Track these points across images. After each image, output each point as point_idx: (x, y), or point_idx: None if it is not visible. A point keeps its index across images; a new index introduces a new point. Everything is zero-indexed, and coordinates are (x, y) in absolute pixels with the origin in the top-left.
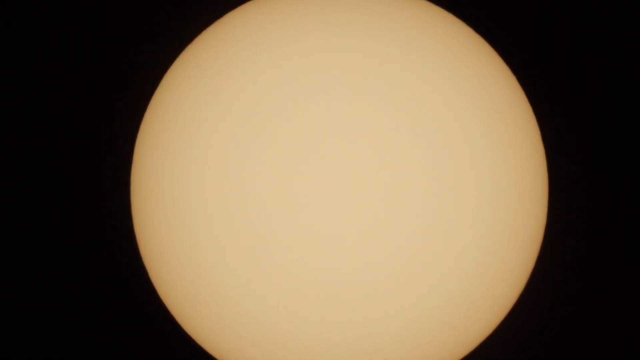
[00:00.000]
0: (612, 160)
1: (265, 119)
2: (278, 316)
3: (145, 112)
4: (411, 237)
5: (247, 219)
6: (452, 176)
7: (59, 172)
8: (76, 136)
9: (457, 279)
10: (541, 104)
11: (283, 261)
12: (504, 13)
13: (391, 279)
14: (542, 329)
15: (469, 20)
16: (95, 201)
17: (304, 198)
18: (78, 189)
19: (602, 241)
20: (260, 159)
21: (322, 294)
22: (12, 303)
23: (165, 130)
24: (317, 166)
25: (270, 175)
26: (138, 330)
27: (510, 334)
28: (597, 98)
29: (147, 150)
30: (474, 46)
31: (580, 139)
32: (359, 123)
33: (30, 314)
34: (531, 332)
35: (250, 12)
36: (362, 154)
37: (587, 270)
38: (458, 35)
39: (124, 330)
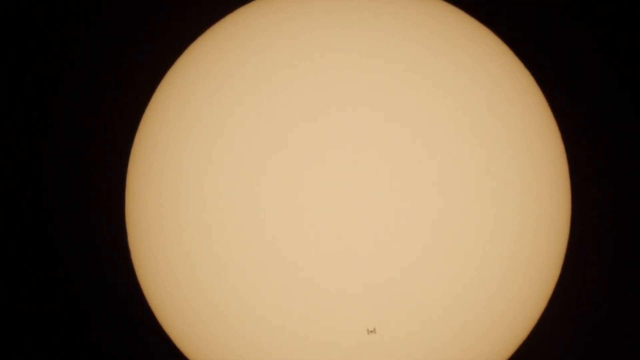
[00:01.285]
0: (637, 168)
1: (270, 128)
2: (282, 338)
3: (141, 120)
4: (425, 255)
5: (248, 235)
6: (470, 188)
7: (51, 176)
8: (70, 142)
9: (474, 299)
10: (563, 110)
11: (287, 280)
12: (525, 13)
13: (402, 301)
14: (565, 349)
15: (487, 22)
16: (89, 212)
17: (311, 212)
18: (70, 205)
19: (627, 255)
20: (264, 170)
21: (329, 316)
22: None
23: (161, 140)
24: (325, 178)
25: (275, 188)
26: (133, 350)
27: (530, 354)
28: (621, 101)
29: (142, 165)
30: (492, 49)
31: (604, 145)
32: (369, 132)
33: (24, 333)
34: (553, 353)
35: (254, 12)
36: (373, 167)
37: (612, 286)
38: (475, 36)
39: (118, 349)
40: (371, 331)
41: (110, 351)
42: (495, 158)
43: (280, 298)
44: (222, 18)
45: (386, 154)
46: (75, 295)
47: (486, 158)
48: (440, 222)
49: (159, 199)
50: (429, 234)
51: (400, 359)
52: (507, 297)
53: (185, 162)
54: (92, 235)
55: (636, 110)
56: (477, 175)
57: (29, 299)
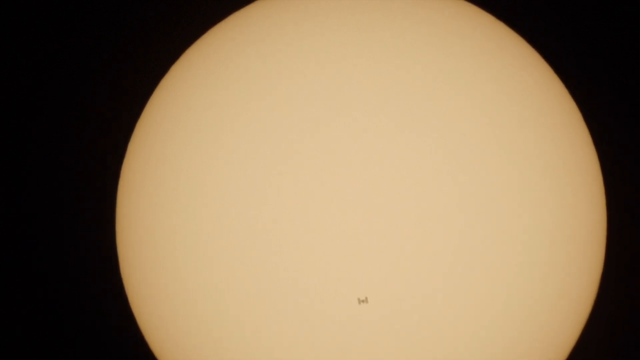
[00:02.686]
0: None
1: (273, 145)
2: None
3: (133, 134)
4: (448, 284)
5: (250, 262)
6: (497, 210)
7: (36, 193)
8: (59, 155)
9: (504, 329)
10: (598, 127)
11: (291, 311)
12: (557, 22)
13: (424, 336)
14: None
15: (511, 22)
16: (77, 238)
17: (321, 242)
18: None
19: None
20: (269, 190)
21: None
22: None
23: (153, 160)
24: (334, 200)
25: (280, 210)
26: None
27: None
28: None
29: (133, 186)
30: (520, 54)
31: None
32: (386, 147)
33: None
34: None
35: (256, 13)
36: (391, 187)
37: None
38: (500, 38)
39: None
40: (362, 300)
41: None
42: (528, 180)
43: (282, 331)
44: (221, 20)
45: (405, 170)
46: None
47: (517, 180)
48: (467, 245)
49: (150, 226)
50: (451, 261)
51: None
52: (538, 325)
53: (180, 184)
54: (83, 279)
55: None
56: (506, 199)
57: (16, 320)
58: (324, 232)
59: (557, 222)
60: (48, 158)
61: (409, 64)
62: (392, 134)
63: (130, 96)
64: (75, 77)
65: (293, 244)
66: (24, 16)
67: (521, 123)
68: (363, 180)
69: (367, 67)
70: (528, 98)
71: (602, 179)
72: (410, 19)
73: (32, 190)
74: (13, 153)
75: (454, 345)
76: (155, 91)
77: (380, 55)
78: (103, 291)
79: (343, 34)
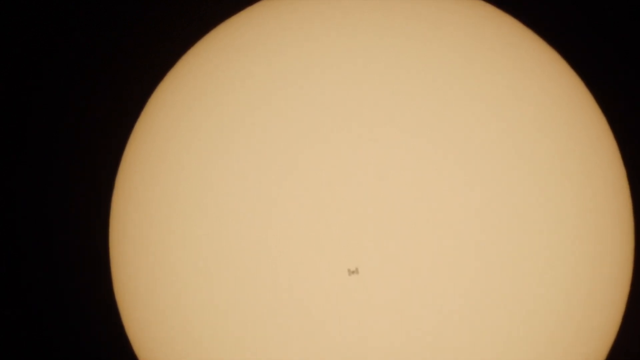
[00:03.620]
0: None
1: (276, 159)
2: None
3: (128, 143)
4: (471, 306)
5: (249, 285)
6: (521, 223)
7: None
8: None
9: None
10: (623, 132)
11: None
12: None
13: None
14: None
15: (533, 25)
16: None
17: (332, 267)
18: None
19: None
20: (272, 211)
21: None
22: None
23: (145, 182)
24: (343, 219)
25: (283, 233)
26: None
27: None
28: None
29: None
30: (545, 59)
31: None
32: (400, 160)
33: None
34: None
35: (259, 15)
36: (408, 205)
37: None
38: (523, 42)
39: None
40: (353, 271)
41: None
42: (558, 211)
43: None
44: (220, 23)
45: (421, 182)
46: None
47: (547, 208)
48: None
49: (145, 245)
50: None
51: None
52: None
53: (176, 201)
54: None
55: None
56: (534, 228)
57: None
58: (334, 257)
59: (582, 232)
60: (40, 163)
61: (424, 69)
62: (405, 144)
63: (125, 103)
64: (72, 79)
65: (302, 273)
66: (16, 20)
67: (543, 130)
68: (373, 199)
69: (377, 72)
70: (550, 103)
71: (629, 187)
72: (425, 21)
73: (20, 199)
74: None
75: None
76: (150, 99)
77: (393, 60)
78: (94, 304)
79: (351, 38)
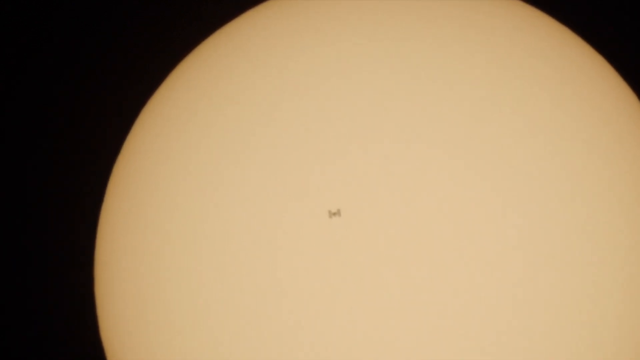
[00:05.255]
0: None
1: (280, 176)
2: None
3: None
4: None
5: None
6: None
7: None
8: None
9: None
10: None
11: None
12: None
13: None
14: None
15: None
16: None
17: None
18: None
19: None
20: (273, 241)
21: None
22: None
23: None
24: (354, 247)
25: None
26: None
27: None
28: None
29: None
30: (592, 67)
31: None
32: (423, 185)
33: None
34: None
35: (260, 17)
36: (430, 239)
37: None
38: (567, 47)
39: None
40: (334, 213)
41: None
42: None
43: None
44: (226, 22)
45: (450, 210)
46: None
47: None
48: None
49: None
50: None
51: None
52: None
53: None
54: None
55: None
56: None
57: None
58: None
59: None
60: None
61: (451, 78)
62: (447, 169)
63: (121, 106)
64: (66, 85)
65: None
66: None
67: (594, 150)
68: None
69: (397, 81)
70: (598, 116)
71: None
72: (454, 24)
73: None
74: None
75: None
76: (141, 113)
77: (417, 69)
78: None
79: (371, 43)
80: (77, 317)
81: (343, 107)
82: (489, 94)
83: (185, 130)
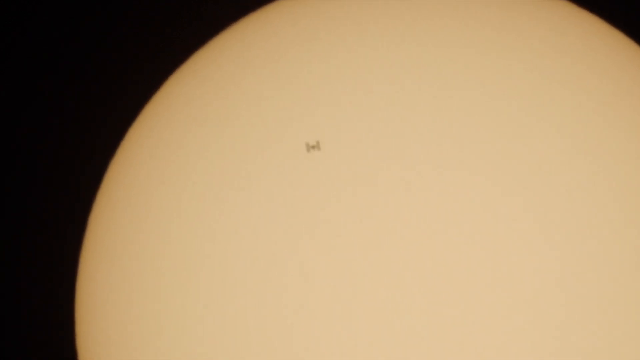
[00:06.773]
0: None
1: (283, 222)
2: None
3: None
4: None
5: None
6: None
7: None
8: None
9: None
10: None
11: None
12: None
13: None
14: None
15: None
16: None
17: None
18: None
19: None
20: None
21: None
22: None
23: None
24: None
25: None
26: None
27: None
28: None
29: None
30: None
31: None
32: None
33: None
34: None
35: (261, 20)
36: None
37: None
38: (620, 52)
39: None
40: (313, 146)
41: None
42: None
43: None
44: (226, 26)
45: (486, 239)
46: None
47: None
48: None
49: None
50: None
51: None
52: None
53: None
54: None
55: None
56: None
57: None
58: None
59: None
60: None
61: (488, 90)
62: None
63: (118, 110)
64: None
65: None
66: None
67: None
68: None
69: (424, 94)
70: None
71: None
72: (491, 27)
73: None
74: None
75: None
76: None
77: (449, 81)
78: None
79: (393, 47)
80: (54, 318)
81: (343, 106)
82: (537, 108)
83: (179, 143)
